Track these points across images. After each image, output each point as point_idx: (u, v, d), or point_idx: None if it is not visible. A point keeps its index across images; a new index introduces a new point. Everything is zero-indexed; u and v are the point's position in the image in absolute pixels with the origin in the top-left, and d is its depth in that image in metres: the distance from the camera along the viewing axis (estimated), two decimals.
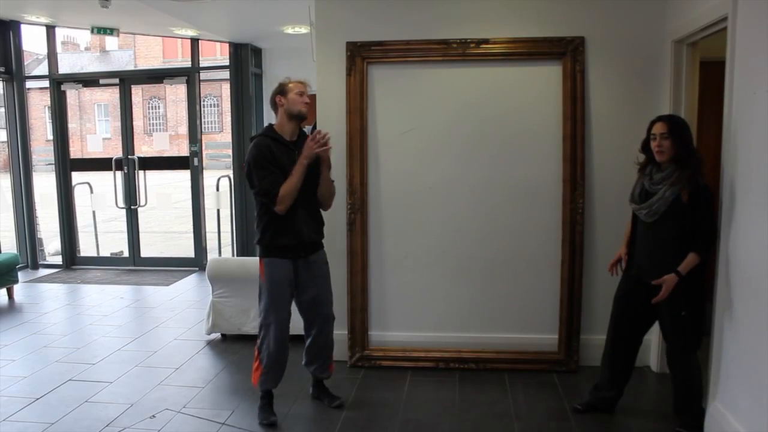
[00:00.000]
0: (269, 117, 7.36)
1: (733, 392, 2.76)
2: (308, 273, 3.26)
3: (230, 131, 7.20)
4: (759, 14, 2.58)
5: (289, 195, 3.06)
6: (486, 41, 3.78)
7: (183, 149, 7.42)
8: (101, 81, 7.55)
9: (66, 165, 7.21)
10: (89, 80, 7.72)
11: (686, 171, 2.82)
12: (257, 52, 7.23)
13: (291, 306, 3.27)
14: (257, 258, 3.27)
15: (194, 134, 7.07)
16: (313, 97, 3.97)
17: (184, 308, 5.46)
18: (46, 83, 7.24)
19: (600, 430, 3.15)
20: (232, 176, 7.15)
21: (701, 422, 2.96)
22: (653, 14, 3.69)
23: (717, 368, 2.90)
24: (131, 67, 22.24)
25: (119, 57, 24.96)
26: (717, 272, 2.91)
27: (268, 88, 7.34)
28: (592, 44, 3.75)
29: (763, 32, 2.53)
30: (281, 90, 3.21)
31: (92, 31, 6.31)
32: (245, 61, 6.93)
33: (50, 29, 6.97)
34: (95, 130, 23.40)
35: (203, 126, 7.40)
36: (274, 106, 3.23)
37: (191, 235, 7.29)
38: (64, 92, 7.23)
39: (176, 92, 23.13)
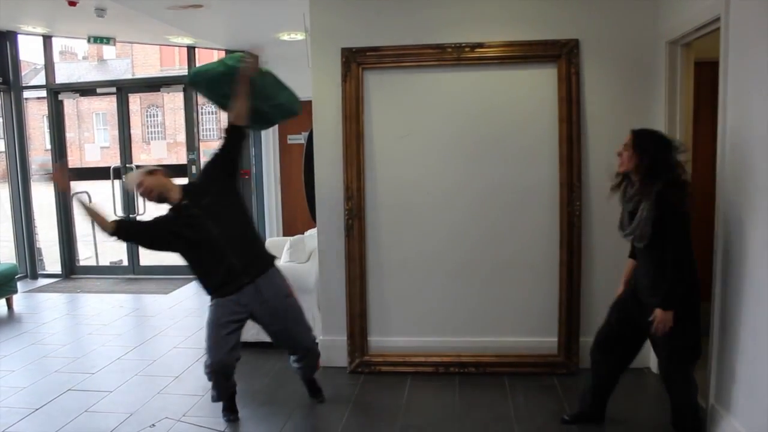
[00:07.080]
0: None
1: (733, 394, 2.75)
2: (261, 305, 3.12)
3: None
4: (751, 15, 2.59)
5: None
6: (480, 45, 3.79)
7: (181, 157, 7.41)
8: (99, 90, 7.54)
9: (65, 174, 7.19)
10: (87, 89, 7.72)
11: (651, 187, 2.63)
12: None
13: (232, 344, 3.11)
14: None
15: (192, 142, 7.09)
16: (308, 104, 3.99)
17: (183, 316, 5.46)
18: (43, 93, 7.26)
19: None
20: None
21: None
22: (646, 16, 3.70)
23: (716, 370, 2.90)
24: (129, 76, 22.25)
25: (117, 66, 24.94)
26: (714, 274, 2.91)
27: None
28: (587, 46, 3.75)
29: (755, 32, 2.54)
30: (135, 191, 3.19)
31: (89, 41, 6.33)
32: None
33: (47, 39, 6.99)
34: (93, 139, 23.35)
35: (201, 133, 7.42)
36: None
37: None
38: (61, 102, 7.24)
39: (174, 100, 23.06)
